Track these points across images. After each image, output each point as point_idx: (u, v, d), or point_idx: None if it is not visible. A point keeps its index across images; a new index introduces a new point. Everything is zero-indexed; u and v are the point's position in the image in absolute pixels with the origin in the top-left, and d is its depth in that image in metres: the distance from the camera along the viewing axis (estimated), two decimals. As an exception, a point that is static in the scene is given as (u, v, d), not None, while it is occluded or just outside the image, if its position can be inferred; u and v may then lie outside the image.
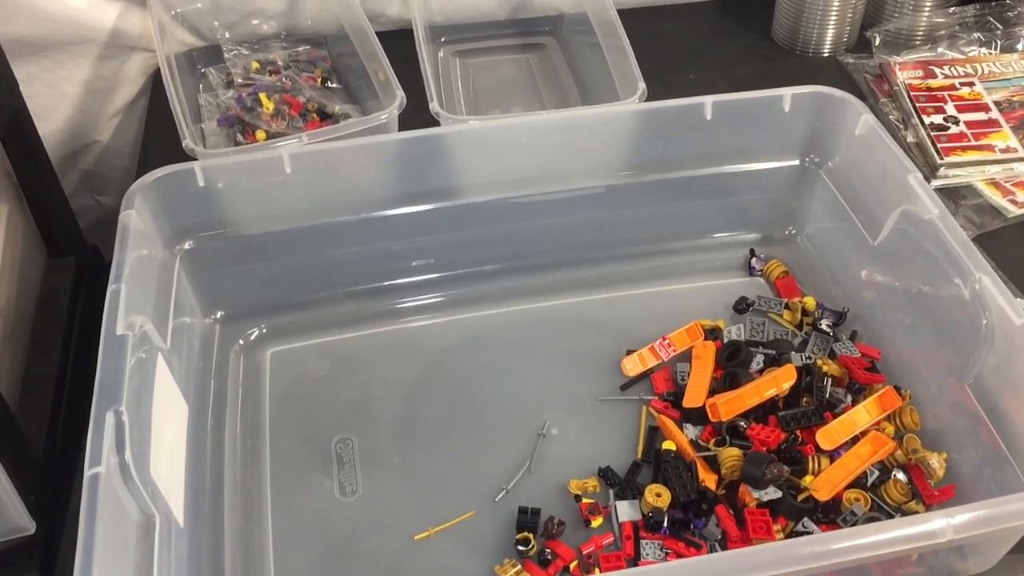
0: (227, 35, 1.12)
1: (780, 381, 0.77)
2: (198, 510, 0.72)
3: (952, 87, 1.06)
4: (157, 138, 1.04)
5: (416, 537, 0.73)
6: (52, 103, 1.11)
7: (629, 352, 0.85)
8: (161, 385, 0.71)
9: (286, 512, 0.75)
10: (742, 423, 0.76)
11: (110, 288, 0.69)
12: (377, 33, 1.00)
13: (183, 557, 0.67)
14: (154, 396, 0.69)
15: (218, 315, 0.87)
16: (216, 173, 0.80)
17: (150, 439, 0.66)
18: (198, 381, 0.80)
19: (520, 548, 0.71)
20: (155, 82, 1.12)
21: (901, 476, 0.73)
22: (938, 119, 1.01)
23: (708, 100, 0.85)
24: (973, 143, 0.99)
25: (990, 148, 0.98)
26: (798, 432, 0.76)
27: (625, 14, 1.04)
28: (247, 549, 0.73)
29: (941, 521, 0.58)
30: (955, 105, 1.03)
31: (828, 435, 0.74)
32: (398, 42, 1.03)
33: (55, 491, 0.80)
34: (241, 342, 0.87)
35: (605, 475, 0.76)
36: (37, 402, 0.86)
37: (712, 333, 0.86)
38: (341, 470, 0.78)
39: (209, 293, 0.86)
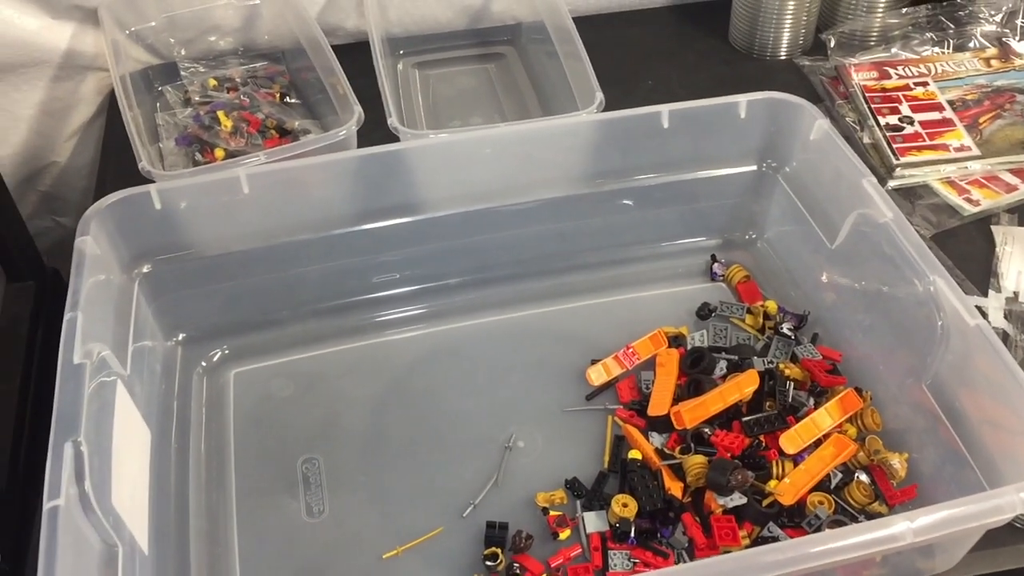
0: (183, 52, 1.11)
1: (743, 387, 0.78)
2: (163, 537, 0.71)
3: (906, 87, 1.07)
4: (114, 158, 1.03)
5: (384, 556, 0.73)
6: (7, 126, 1.10)
7: (594, 361, 0.85)
8: (121, 412, 0.70)
9: (253, 535, 0.75)
10: (706, 430, 0.76)
11: (66, 316, 0.68)
12: (336, 47, 1.00)
13: (148, 586, 0.66)
14: (114, 423, 0.68)
15: (179, 337, 0.87)
16: (173, 195, 0.80)
17: (111, 467, 0.66)
18: (160, 405, 0.80)
19: (488, 563, 0.71)
20: (111, 101, 1.11)
21: (864, 477, 0.74)
22: (893, 119, 1.03)
23: (664, 109, 0.86)
24: (928, 143, 1.00)
25: (945, 147, 1.00)
26: (762, 437, 0.76)
27: (583, 21, 1.05)
28: (214, 575, 0.72)
29: (902, 525, 0.59)
30: (910, 105, 1.04)
31: (791, 439, 0.75)
32: (357, 55, 1.02)
33: (18, 521, 0.79)
34: (204, 364, 0.86)
35: (572, 486, 0.76)
36: (-2, 431, 0.85)
37: (675, 340, 0.86)
38: (307, 490, 0.77)
39: (169, 316, 0.85)
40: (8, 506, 0.79)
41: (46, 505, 0.58)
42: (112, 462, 0.66)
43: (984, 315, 0.83)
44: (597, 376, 0.84)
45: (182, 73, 1.09)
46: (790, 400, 0.78)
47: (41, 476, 0.60)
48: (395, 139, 0.89)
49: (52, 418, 0.63)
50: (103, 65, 1.10)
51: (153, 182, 0.82)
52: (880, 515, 0.72)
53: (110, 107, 1.12)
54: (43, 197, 1.19)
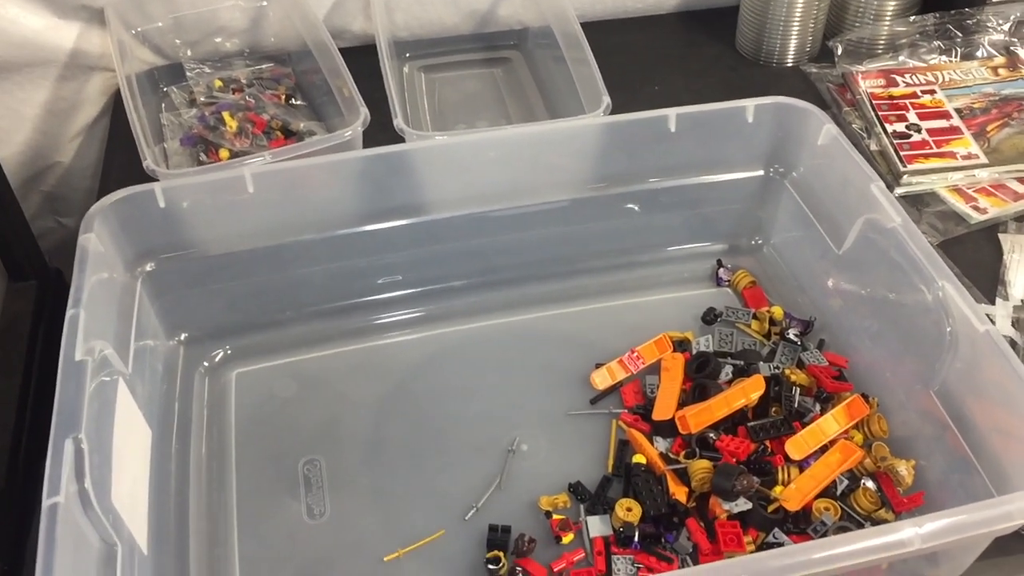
0: (189, 53, 1.11)
1: (748, 392, 0.77)
2: (163, 537, 0.71)
3: (914, 95, 1.06)
4: (119, 158, 1.03)
5: (385, 558, 0.72)
6: (11, 125, 1.09)
7: (598, 365, 0.84)
8: (123, 410, 0.70)
9: (253, 536, 0.74)
10: (711, 435, 0.76)
11: (68, 313, 0.68)
12: (341, 49, 1.00)
13: (147, 585, 0.66)
14: (115, 422, 0.68)
15: (182, 337, 0.86)
16: (177, 194, 0.79)
17: (111, 466, 0.65)
18: (162, 404, 0.79)
19: (491, 567, 0.70)
20: (116, 102, 1.11)
21: (870, 484, 0.74)
22: (900, 127, 1.02)
23: (672, 112, 0.85)
24: (935, 150, 1.00)
25: (952, 155, 0.99)
26: (767, 443, 0.76)
27: (590, 27, 1.04)
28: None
29: (909, 531, 0.58)
30: (917, 113, 1.04)
31: (797, 445, 0.74)
32: (363, 58, 1.02)
33: (17, 520, 0.79)
34: (206, 364, 0.86)
35: (575, 490, 0.76)
36: (-2, 429, 0.85)
37: (681, 345, 0.85)
38: (309, 492, 0.77)
39: (172, 315, 0.85)
40: (7, 504, 0.78)
41: (46, 502, 0.58)
42: (112, 460, 0.66)
43: (992, 323, 0.83)
44: (601, 380, 0.84)
45: (188, 74, 1.09)
46: (796, 406, 0.78)
47: (40, 475, 0.60)
48: (401, 142, 0.88)
49: (53, 414, 0.62)
50: (108, 65, 1.09)
51: (157, 181, 0.81)
52: (886, 522, 0.72)
53: (115, 107, 1.11)
54: (46, 197, 1.19)
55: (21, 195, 1.11)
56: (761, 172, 0.91)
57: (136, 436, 0.72)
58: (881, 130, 1.02)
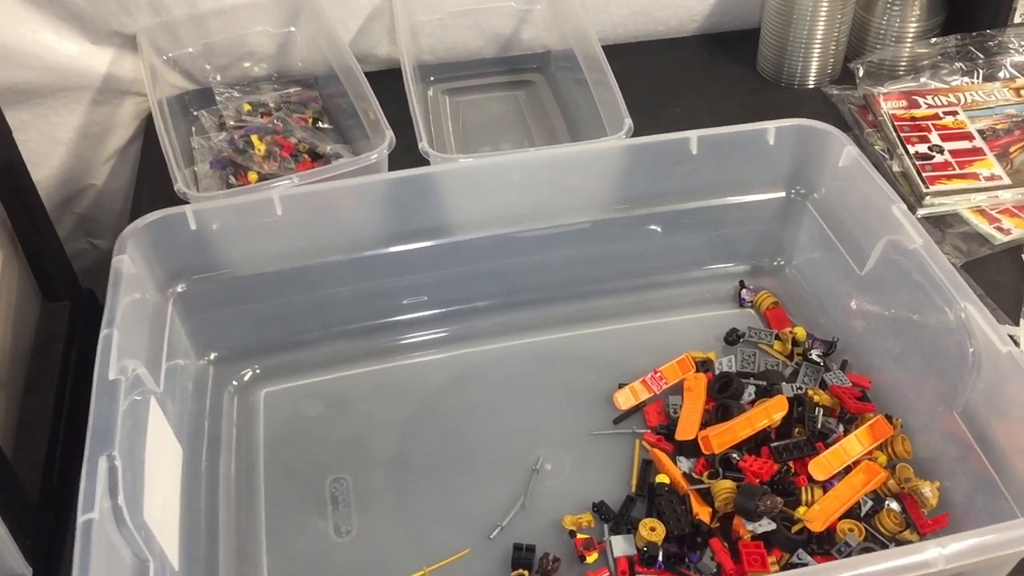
0: (219, 78, 1.13)
1: (772, 412, 0.78)
2: (193, 553, 0.72)
3: (936, 116, 1.07)
4: (150, 181, 1.05)
5: (411, 576, 0.73)
6: (46, 149, 1.12)
7: (621, 385, 0.85)
8: (154, 428, 0.71)
9: (281, 554, 0.75)
10: (735, 455, 0.76)
11: (102, 333, 0.69)
12: (367, 73, 1.02)
13: (178, 601, 0.67)
14: (147, 440, 0.69)
15: (211, 356, 0.88)
16: (208, 216, 0.81)
17: (144, 483, 0.66)
18: (192, 423, 0.81)
19: (515, 585, 0.71)
20: (148, 125, 1.13)
21: (894, 505, 0.74)
22: (923, 148, 1.03)
23: (693, 135, 0.86)
24: (958, 171, 1.00)
25: (975, 176, 0.99)
26: (791, 463, 0.76)
27: (612, 50, 1.06)
28: (242, 592, 0.73)
29: (934, 551, 0.58)
30: (939, 134, 1.04)
31: (821, 465, 0.75)
32: (388, 82, 1.04)
33: (51, 535, 0.80)
34: (235, 383, 0.87)
35: (599, 510, 0.76)
36: (32, 447, 0.86)
37: (703, 365, 0.86)
38: (335, 510, 0.78)
39: (202, 335, 0.86)
40: (41, 520, 0.79)
41: (80, 518, 0.59)
42: (145, 477, 0.67)
43: (1015, 344, 0.83)
44: (624, 400, 0.84)
45: (217, 98, 1.11)
46: (819, 426, 0.78)
47: (73, 492, 0.61)
48: (425, 164, 0.90)
49: (87, 432, 0.64)
50: (140, 90, 1.12)
51: (188, 204, 0.83)
52: (911, 543, 0.72)
53: (146, 131, 1.14)
54: (79, 219, 1.21)
55: (55, 217, 1.13)
56: (783, 194, 0.92)
57: (167, 454, 0.73)
58: (903, 151, 1.02)
